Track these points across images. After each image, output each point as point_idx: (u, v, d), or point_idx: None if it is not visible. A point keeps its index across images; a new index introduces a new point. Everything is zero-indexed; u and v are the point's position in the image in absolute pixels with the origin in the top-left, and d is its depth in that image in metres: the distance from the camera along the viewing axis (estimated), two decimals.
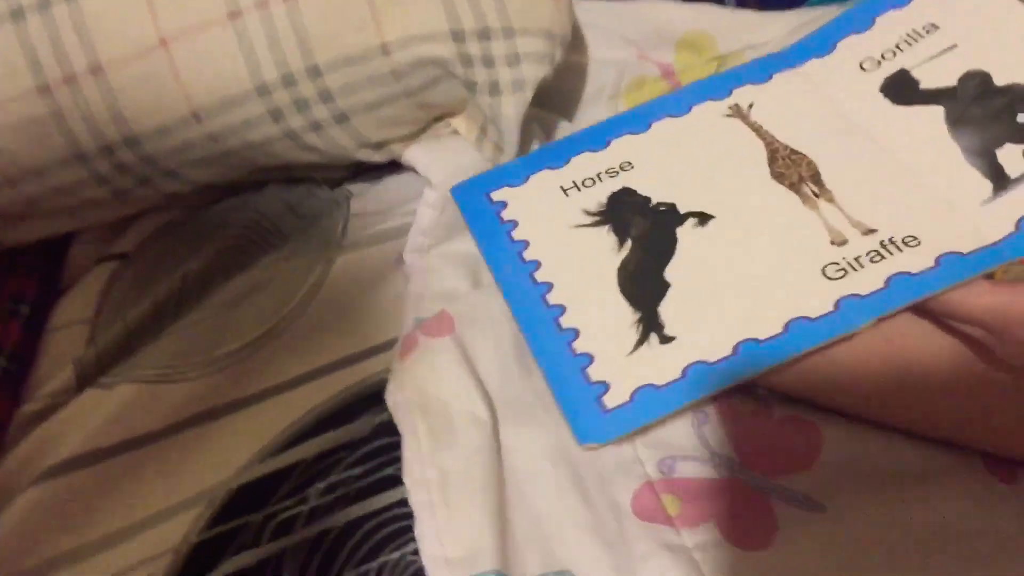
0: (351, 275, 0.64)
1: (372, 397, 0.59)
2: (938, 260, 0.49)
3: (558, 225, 0.57)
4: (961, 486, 0.57)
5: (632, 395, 0.49)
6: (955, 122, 0.54)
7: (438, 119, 0.66)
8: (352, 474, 0.57)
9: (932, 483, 0.57)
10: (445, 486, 0.54)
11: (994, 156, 0.51)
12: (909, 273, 0.49)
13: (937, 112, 0.55)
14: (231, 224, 0.68)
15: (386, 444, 0.57)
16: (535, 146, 0.68)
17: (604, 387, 0.49)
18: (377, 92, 0.60)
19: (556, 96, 0.72)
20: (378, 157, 0.67)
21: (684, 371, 0.49)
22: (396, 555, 0.55)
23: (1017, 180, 0.49)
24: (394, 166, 0.70)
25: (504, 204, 0.59)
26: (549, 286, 0.55)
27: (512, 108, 0.61)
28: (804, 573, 0.53)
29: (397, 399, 0.57)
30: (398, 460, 0.56)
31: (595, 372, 0.50)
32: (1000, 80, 0.54)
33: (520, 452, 0.57)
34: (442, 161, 0.66)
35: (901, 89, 0.57)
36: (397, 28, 0.58)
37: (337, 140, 0.63)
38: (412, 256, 0.66)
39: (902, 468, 0.57)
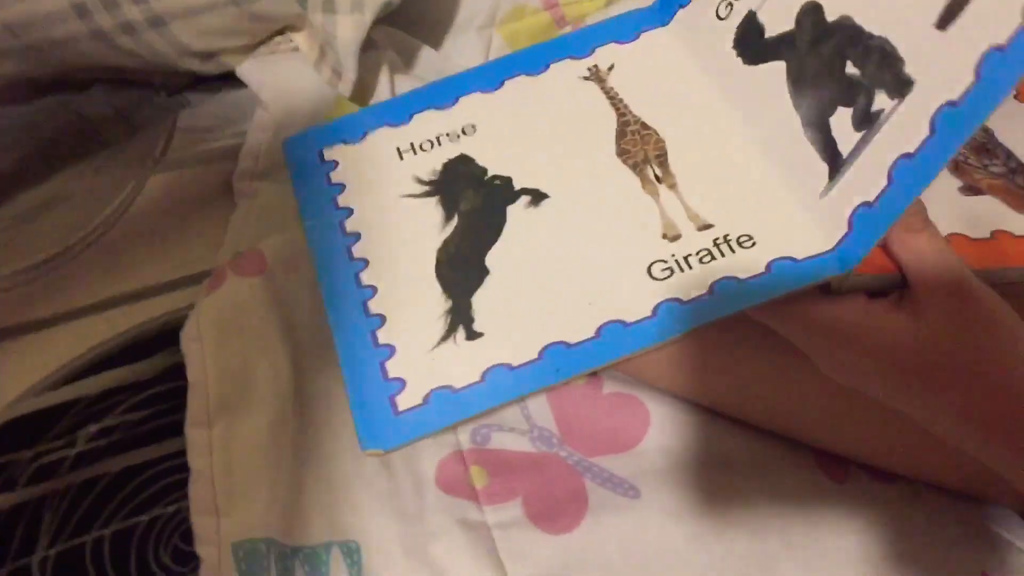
0: (166, 196, 0.58)
1: (169, 334, 0.54)
2: (769, 266, 0.44)
3: (387, 193, 0.51)
4: (788, 481, 0.54)
5: (426, 397, 0.43)
6: (795, 82, 0.48)
7: (279, 32, 0.60)
8: (132, 418, 0.52)
9: (758, 476, 0.54)
10: (228, 445, 0.49)
11: (828, 128, 0.46)
12: (736, 279, 0.44)
13: (780, 70, 0.49)
14: (43, 126, 0.61)
15: (174, 388, 0.53)
16: (390, 78, 0.62)
17: (400, 385, 0.44)
18: None
19: (420, 19, 0.65)
20: (208, 68, 0.60)
21: (483, 374, 0.44)
22: (172, 508, 0.51)
23: (849, 159, 0.44)
24: (237, 78, 0.63)
25: (335, 164, 0.53)
26: (364, 263, 0.49)
27: (349, 31, 0.55)
28: (604, 563, 0.50)
29: (192, 342, 0.52)
30: (185, 408, 0.51)
31: (393, 367, 0.45)
32: (831, 13, 0.47)
33: (322, 408, 0.53)
34: (278, 79, 0.60)
35: (749, 42, 0.51)
36: None
37: (154, 45, 0.56)
38: (240, 182, 0.60)
39: (729, 458, 0.54)
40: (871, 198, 0.42)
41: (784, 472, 0.54)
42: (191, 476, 0.49)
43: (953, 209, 0.46)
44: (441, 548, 0.50)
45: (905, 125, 0.41)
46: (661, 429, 0.55)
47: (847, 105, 0.44)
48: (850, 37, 0.45)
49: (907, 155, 0.40)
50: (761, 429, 0.55)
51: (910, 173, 0.40)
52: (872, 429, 0.52)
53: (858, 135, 0.43)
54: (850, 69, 0.44)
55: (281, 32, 0.60)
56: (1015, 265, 0.44)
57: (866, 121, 0.43)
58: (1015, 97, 0.54)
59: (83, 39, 0.55)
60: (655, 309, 0.44)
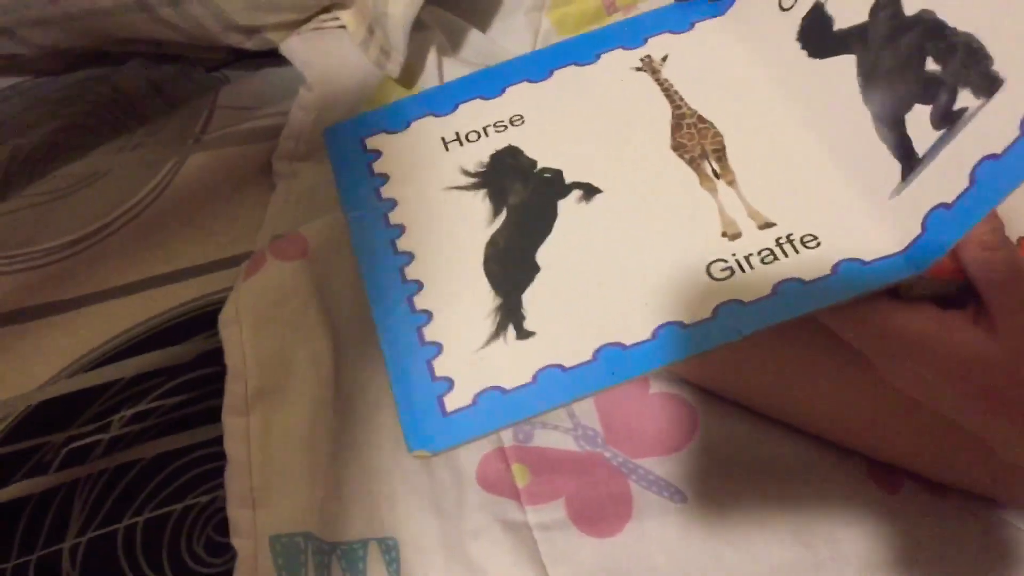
0: (206, 175, 0.57)
1: (205, 318, 0.53)
2: (835, 268, 0.42)
3: (432, 185, 0.49)
4: (838, 490, 0.52)
5: (475, 398, 0.42)
6: (866, 76, 0.46)
7: (326, 10, 0.58)
8: (167, 404, 0.50)
9: (807, 483, 0.52)
10: (266, 434, 0.48)
11: (903, 126, 0.44)
12: (801, 281, 0.42)
13: (850, 64, 0.47)
14: (79, 99, 0.59)
15: (211, 374, 0.51)
16: (437, 60, 0.60)
17: (448, 385, 0.42)
18: None
19: (469, 1, 0.64)
20: (251, 44, 0.58)
21: (535, 375, 0.42)
22: (206, 499, 0.49)
23: (925, 158, 0.42)
24: (278, 55, 0.62)
25: (378, 154, 0.51)
26: (410, 257, 0.47)
27: (400, 7, 0.53)
28: (648, 568, 0.49)
29: (230, 326, 0.50)
30: (222, 394, 0.50)
31: (441, 366, 0.43)
32: (910, 7, 0.44)
33: (361, 400, 0.52)
34: (323, 57, 0.58)
35: (816, 34, 0.49)
36: None
37: (199, 19, 0.54)
38: (280, 163, 0.58)
39: (778, 464, 0.53)
40: (949, 199, 0.40)
41: (835, 480, 0.52)
42: (228, 466, 0.47)
43: None
44: (481, 547, 0.49)
45: (992, 125, 0.39)
46: (709, 432, 0.53)
47: (926, 102, 0.42)
48: (931, 31, 0.42)
49: (992, 156, 0.38)
50: (811, 435, 0.53)
51: (995, 175, 0.38)
52: (927, 440, 0.50)
53: (937, 134, 0.41)
54: (930, 65, 0.42)
55: (327, 10, 0.58)
56: None
57: (947, 120, 0.41)
58: None
59: (125, 9, 0.53)
60: (715, 310, 0.42)
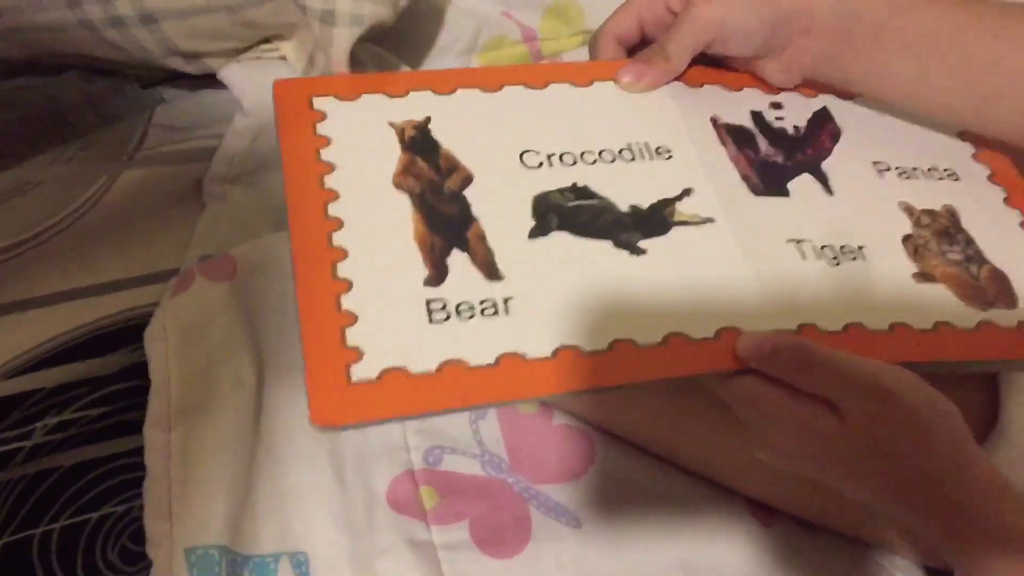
0: (137, 192, 0.58)
1: (130, 331, 0.54)
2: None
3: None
4: (722, 523, 0.57)
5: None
6: None
7: (266, 40, 0.60)
8: (90, 414, 0.52)
9: (694, 515, 0.56)
10: (186, 449, 0.50)
11: None
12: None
13: None
14: (13, 106, 0.60)
15: (135, 387, 0.53)
16: None
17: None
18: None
19: (404, 38, 0.67)
20: (190, 68, 0.60)
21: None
22: (123, 508, 0.51)
23: None
24: (215, 78, 0.64)
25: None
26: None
27: (344, 41, 0.55)
28: None
29: (156, 342, 0.52)
30: (144, 407, 0.51)
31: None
32: None
33: (280, 419, 0.54)
34: (261, 86, 0.60)
35: None
36: None
37: (141, 42, 0.56)
38: (212, 184, 0.60)
39: (668, 496, 0.57)
40: None
41: (719, 513, 0.57)
42: (147, 477, 0.49)
43: (902, 297, 0.49)
44: (388, 565, 0.51)
45: None
46: (607, 463, 0.57)
47: None
48: None
49: None
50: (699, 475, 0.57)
51: None
52: (797, 488, 0.55)
53: None
54: None
55: (268, 40, 0.60)
56: (951, 359, 0.46)
57: None
58: (989, 179, 0.57)
59: (70, 28, 0.54)
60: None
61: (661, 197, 0.50)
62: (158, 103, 0.64)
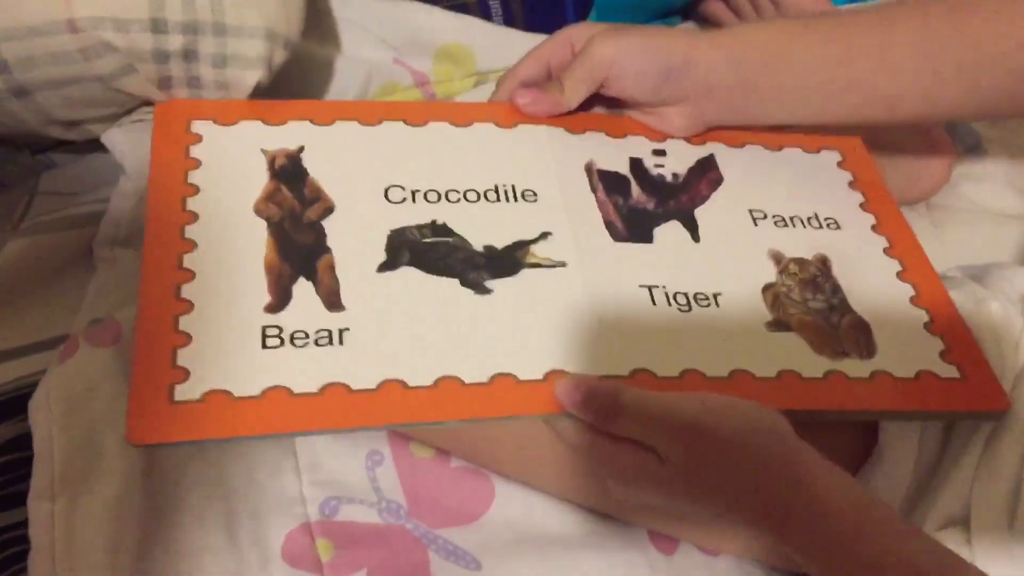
0: (24, 260, 0.58)
1: (18, 402, 0.54)
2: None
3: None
4: (622, 556, 0.57)
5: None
6: None
7: (147, 103, 0.60)
8: None
9: (594, 550, 0.57)
10: (70, 520, 0.50)
11: None
12: None
13: None
14: None
15: (21, 458, 0.53)
16: None
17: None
18: (63, 70, 0.54)
19: (291, 89, 0.67)
20: (73, 135, 0.60)
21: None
22: None
23: None
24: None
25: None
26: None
27: None
28: None
29: (40, 412, 0.52)
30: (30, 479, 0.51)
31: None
32: None
33: (169, 480, 0.54)
34: (143, 147, 0.60)
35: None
36: (89, 5, 0.52)
37: (17, 114, 0.56)
38: (101, 248, 0.61)
39: (567, 533, 0.57)
40: None
41: (618, 546, 0.57)
42: (31, 551, 0.49)
43: (750, 344, 0.50)
44: None
45: None
46: (505, 503, 0.58)
47: None
48: None
49: None
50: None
51: None
52: (696, 520, 0.55)
53: None
54: None
55: (148, 103, 0.61)
56: (794, 408, 0.47)
57: None
58: (873, 228, 0.58)
59: None
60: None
61: (518, 239, 0.51)
62: (47, 168, 0.64)
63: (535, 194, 0.54)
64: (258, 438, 0.44)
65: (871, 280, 0.55)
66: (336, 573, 0.54)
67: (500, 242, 0.51)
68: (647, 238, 0.53)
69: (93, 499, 0.51)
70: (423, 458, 0.58)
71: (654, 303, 0.50)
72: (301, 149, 0.54)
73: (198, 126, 0.54)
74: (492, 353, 0.47)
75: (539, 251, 0.51)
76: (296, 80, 0.68)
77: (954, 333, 0.53)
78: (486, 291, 0.49)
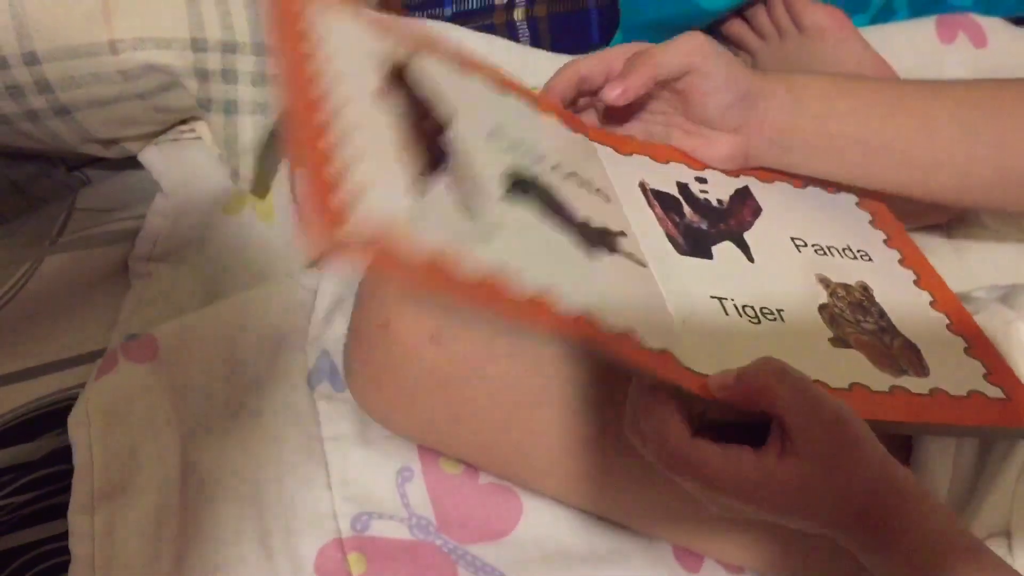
0: (62, 276, 0.59)
1: (57, 415, 0.55)
2: None
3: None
4: (648, 572, 0.58)
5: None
6: None
7: (183, 121, 0.62)
8: (16, 500, 0.52)
9: (620, 567, 0.58)
10: (110, 532, 0.51)
11: None
12: None
13: None
14: None
15: (61, 471, 0.54)
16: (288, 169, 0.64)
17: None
18: (104, 90, 0.55)
19: None
20: (110, 153, 0.62)
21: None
22: None
23: None
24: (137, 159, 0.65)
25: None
26: None
27: (249, 132, 0.57)
28: None
29: (79, 426, 0.53)
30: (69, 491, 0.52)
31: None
32: None
33: (205, 495, 0.55)
34: (179, 166, 0.62)
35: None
36: (130, 26, 0.53)
37: (57, 132, 0.57)
38: (137, 264, 0.62)
39: (594, 550, 0.58)
40: None
41: (644, 563, 0.58)
42: (72, 563, 0.50)
43: (818, 358, 0.50)
44: None
45: None
46: (533, 519, 0.58)
47: None
48: None
49: None
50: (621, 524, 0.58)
51: None
52: (725, 534, 0.56)
53: None
54: None
55: (185, 121, 0.62)
56: (869, 418, 0.47)
57: None
58: (900, 263, 0.60)
59: None
60: None
61: (604, 226, 0.51)
62: (83, 185, 0.65)
63: (606, 195, 0.54)
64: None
65: (907, 308, 0.56)
66: None
67: (591, 222, 0.51)
68: (707, 254, 0.54)
69: (132, 513, 0.52)
70: (452, 474, 0.59)
71: (726, 313, 0.50)
72: None
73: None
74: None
75: (621, 246, 0.51)
76: None
77: (991, 358, 0.54)
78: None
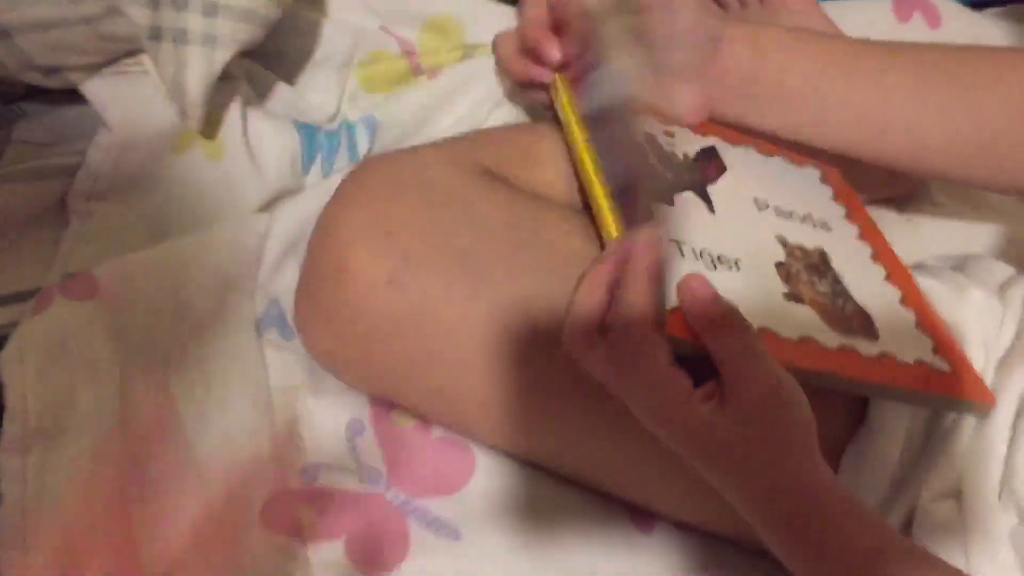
0: None
1: None
2: None
3: None
4: (600, 530, 0.57)
5: None
6: None
7: (130, 53, 0.59)
8: None
9: (573, 524, 0.57)
10: (43, 476, 0.48)
11: None
12: None
13: None
14: None
15: None
16: (242, 111, 0.61)
17: None
18: (48, 11, 0.52)
19: (276, 53, 0.66)
20: (51, 83, 0.58)
21: None
22: None
23: None
24: (78, 92, 0.62)
25: None
26: None
27: (199, 66, 0.54)
28: None
29: (12, 365, 0.50)
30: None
31: None
32: None
33: (148, 436, 0.52)
34: (124, 101, 0.59)
35: None
36: None
37: None
38: (76, 201, 0.59)
39: (547, 506, 0.57)
40: None
41: (597, 521, 0.57)
42: (1, 503, 0.47)
43: (771, 308, 0.50)
44: None
45: None
46: (486, 474, 0.57)
47: None
48: None
49: None
50: (578, 481, 0.57)
51: None
52: (676, 489, 0.55)
53: None
54: None
55: (132, 53, 0.59)
56: (813, 369, 0.48)
57: None
58: (858, 237, 0.60)
59: None
60: None
61: None
62: (19, 118, 0.62)
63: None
64: None
65: (862, 279, 0.56)
66: (315, 539, 0.53)
67: None
68: (668, 201, 0.53)
69: (66, 454, 0.49)
70: (404, 427, 0.58)
71: (682, 256, 0.50)
72: None
73: None
74: None
75: None
76: (284, 44, 0.66)
77: (940, 334, 0.55)
78: None
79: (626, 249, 0.44)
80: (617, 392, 0.45)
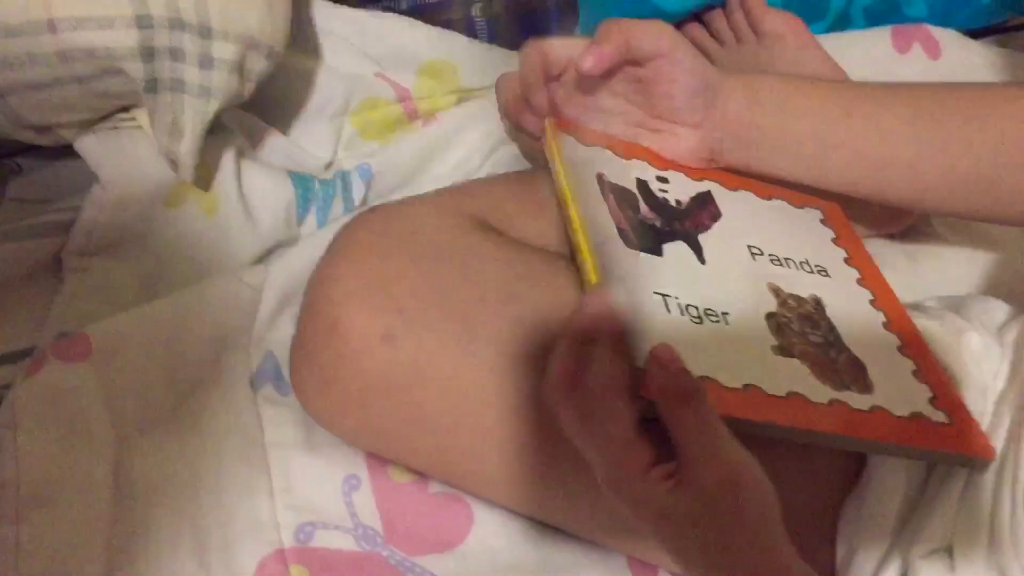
0: None
1: None
2: None
3: None
4: None
5: None
6: None
7: (124, 109, 0.59)
8: None
9: None
10: (37, 546, 0.48)
11: None
12: None
13: None
14: None
15: None
16: (236, 162, 0.61)
17: None
18: (40, 72, 0.52)
19: (271, 103, 0.66)
20: (44, 141, 0.58)
21: None
22: None
23: None
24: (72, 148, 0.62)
25: None
26: None
27: (194, 116, 0.54)
28: None
29: (4, 429, 0.50)
30: None
31: None
32: None
33: (140, 503, 0.52)
34: (117, 156, 0.58)
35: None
36: (70, 4, 0.50)
37: None
38: (71, 258, 0.58)
39: (546, 560, 0.56)
40: None
41: (597, 574, 0.56)
42: None
43: (759, 363, 0.50)
44: None
45: None
46: (484, 530, 0.56)
47: None
48: None
49: None
50: (576, 535, 0.57)
51: None
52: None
53: None
54: None
55: (125, 109, 0.59)
56: (800, 427, 0.47)
57: None
58: (858, 281, 0.59)
59: None
60: None
61: None
62: (14, 175, 0.62)
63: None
64: None
65: (860, 327, 0.55)
66: None
67: None
68: (657, 251, 0.53)
69: (59, 523, 0.49)
70: (401, 483, 0.57)
71: (668, 311, 0.49)
72: None
73: None
74: None
75: None
76: (278, 93, 0.66)
77: (940, 383, 0.54)
78: None
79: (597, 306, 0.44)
80: (581, 452, 0.43)
